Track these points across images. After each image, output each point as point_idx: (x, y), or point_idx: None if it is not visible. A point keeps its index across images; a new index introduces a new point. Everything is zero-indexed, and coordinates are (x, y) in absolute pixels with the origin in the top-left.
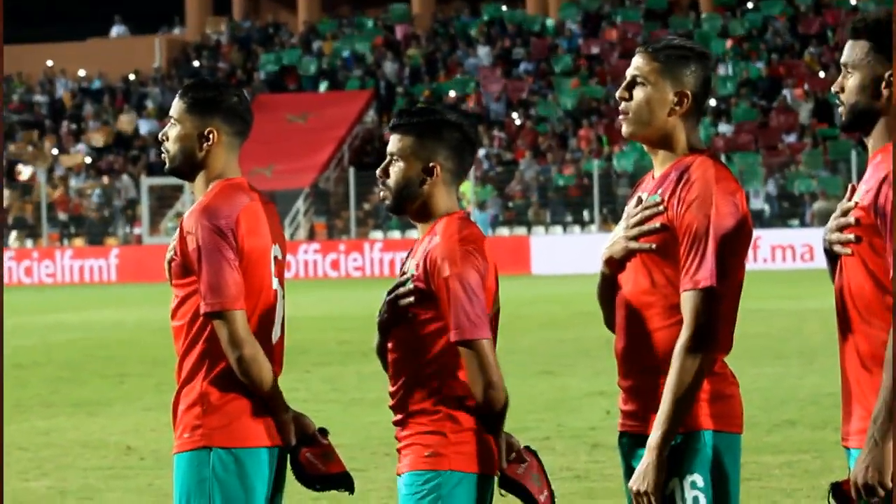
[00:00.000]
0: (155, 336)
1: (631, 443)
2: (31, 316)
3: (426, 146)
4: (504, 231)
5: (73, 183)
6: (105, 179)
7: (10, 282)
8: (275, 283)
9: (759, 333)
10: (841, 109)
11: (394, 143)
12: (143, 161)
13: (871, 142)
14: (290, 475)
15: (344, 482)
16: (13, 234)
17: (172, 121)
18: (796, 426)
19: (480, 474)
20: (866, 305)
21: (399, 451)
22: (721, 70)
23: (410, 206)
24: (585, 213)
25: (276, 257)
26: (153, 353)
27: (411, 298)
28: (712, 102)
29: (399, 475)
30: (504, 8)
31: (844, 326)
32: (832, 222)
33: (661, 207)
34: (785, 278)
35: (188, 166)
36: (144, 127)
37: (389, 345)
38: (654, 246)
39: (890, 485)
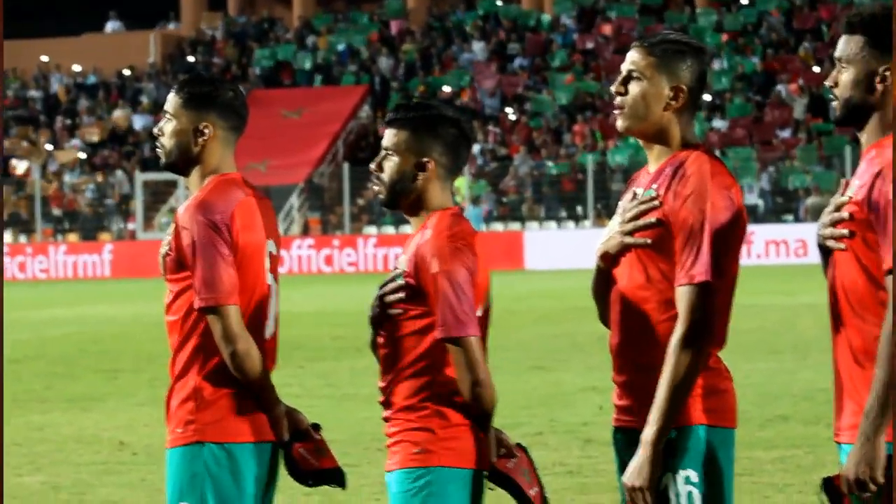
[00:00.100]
0: (148, 331)
1: (625, 438)
2: (25, 311)
3: (421, 141)
4: (498, 226)
5: (68, 178)
6: (99, 175)
7: (3, 277)
8: (269, 279)
9: (753, 328)
10: (835, 104)
11: (389, 137)
12: (138, 156)
13: (864, 137)
14: (282, 470)
15: (336, 478)
16: (7, 229)
17: (168, 116)
18: (789, 421)
19: (470, 470)
20: (859, 300)
21: (388, 447)
22: (716, 65)
23: (404, 201)
24: (579, 209)
25: (270, 253)
26: (147, 348)
27: (401, 294)
28: (707, 97)
29: (389, 472)
30: (499, 3)
31: (837, 321)
32: (826, 217)
33: (656, 202)
34: (778, 273)
35: (183, 161)
36: (139, 122)
37: (380, 340)
38: (649, 241)
39: (881, 480)
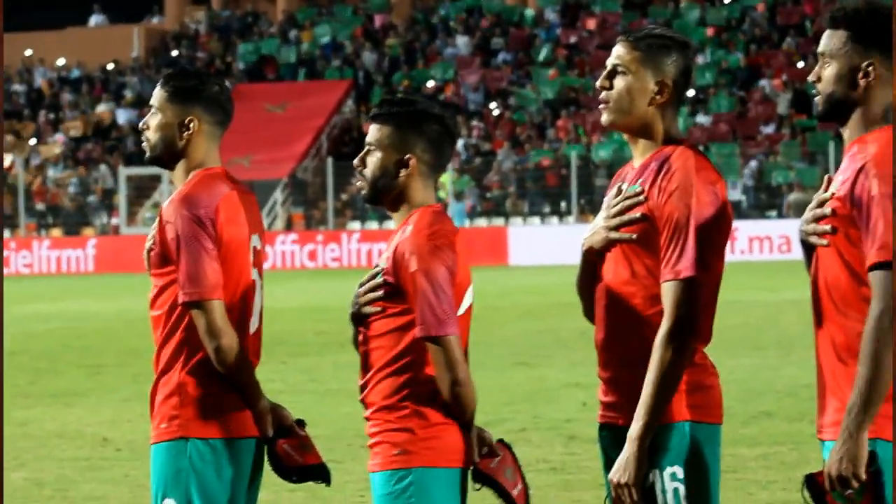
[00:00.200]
0: (132, 327)
1: (611, 435)
2: (9, 306)
3: (404, 137)
4: (482, 222)
5: (51, 173)
6: (82, 169)
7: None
8: (253, 274)
9: (737, 325)
10: (817, 99)
11: (372, 132)
12: (121, 151)
13: (847, 132)
14: (267, 466)
15: (321, 474)
16: None
17: (153, 109)
18: (773, 418)
19: (452, 469)
20: (842, 297)
21: (369, 447)
22: (699, 60)
23: (386, 197)
24: (563, 204)
25: (255, 247)
26: (130, 343)
27: (380, 292)
28: (690, 92)
29: (371, 474)
30: None
31: (820, 318)
32: (808, 213)
33: (641, 197)
34: (762, 269)
35: (168, 155)
36: (122, 116)
37: (360, 337)
38: (634, 236)
39: (864, 476)
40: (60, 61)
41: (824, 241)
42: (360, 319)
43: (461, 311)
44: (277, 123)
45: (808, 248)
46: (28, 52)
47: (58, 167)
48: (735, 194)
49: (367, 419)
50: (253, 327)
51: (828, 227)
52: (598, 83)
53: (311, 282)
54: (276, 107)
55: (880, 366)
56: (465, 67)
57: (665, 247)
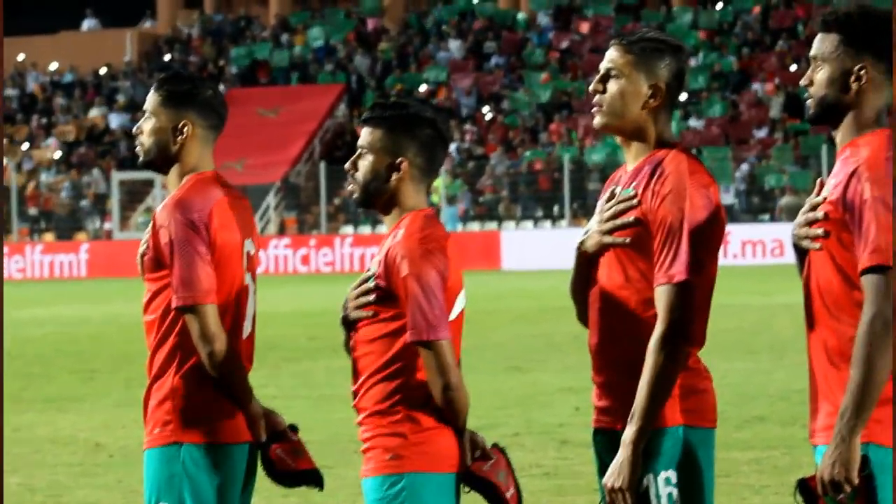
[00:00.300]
0: (125, 332)
1: (605, 439)
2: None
3: (396, 141)
4: (475, 226)
5: (44, 177)
6: (75, 174)
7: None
8: (247, 278)
9: (730, 328)
10: (809, 102)
11: (364, 135)
12: (114, 155)
13: (839, 136)
14: (260, 471)
15: (314, 479)
16: None
17: (147, 114)
18: (766, 422)
19: (445, 473)
20: (834, 301)
21: (362, 452)
22: (692, 63)
23: (377, 201)
24: (556, 208)
25: (248, 252)
26: (123, 348)
27: (371, 297)
28: (683, 96)
29: (363, 479)
30: (475, 1)
31: (812, 322)
32: (801, 217)
33: (634, 201)
34: (755, 273)
35: (162, 159)
36: (115, 121)
37: (352, 342)
38: (627, 240)
39: (856, 481)
40: (53, 65)
41: (817, 245)
42: (351, 324)
43: (453, 315)
44: (270, 127)
45: (801, 252)
46: (21, 57)
47: (50, 172)
48: (728, 198)
49: (360, 424)
50: (246, 332)
51: (820, 231)
52: (591, 87)
53: (303, 286)
54: (268, 111)
55: (873, 370)
56: (457, 71)
57: (658, 251)
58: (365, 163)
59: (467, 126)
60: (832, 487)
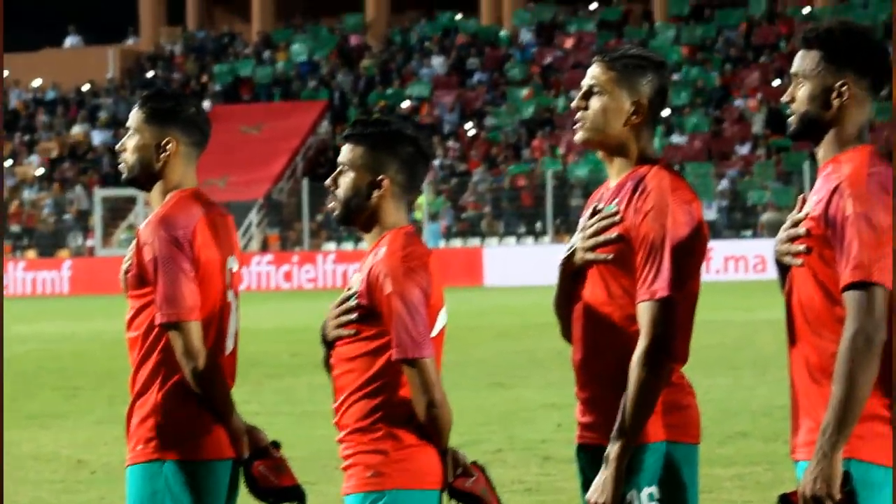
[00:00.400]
0: (107, 349)
1: (589, 456)
2: None
3: (377, 158)
4: (457, 242)
5: (26, 194)
6: (57, 190)
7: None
8: (229, 295)
9: (712, 344)
10: (791, 118)
11: (345, 153)
12: (97, 172)
13: (821, 152)
14: (242, 488)
15: (296, 495)
16: None
17: (130, 131)
18: (748, 438)
19: (426, 490)
20: (816, 317)
21: (343, 469)
22: (674, 79)
23: (358, 218)
24: (539, 224)
25: (230, 269)
26: (106, 365)
27: (353, 315)
28: (665, 112)
29: (344, 496)
30: (458, 17)
31: (794, 337)
32: (783, 233)
33: (617, 218)
34: (738, 289)
35: (145, 176)
36: (98, 138)
37: (332, 360)
38: (610, 256)
39: (838, 496)
40: (36, 82)
41: (798, 261)
42: (331, 342)
43: (434, 332)
44: (253, 144)
45: (783, 268)
46: (3, 74)
47: (33, 188)
48: (710, 214)
49: (340, 442)
50: (228, 349)
51: (802, 247)
52: (573, 103)
53: (286, 303)
54: (251, 128)
55: (855, 386)
56: (440, 87)
57: (641, 267)
58: (346, 180)
59: (450, 142)
60: (814, 503)
